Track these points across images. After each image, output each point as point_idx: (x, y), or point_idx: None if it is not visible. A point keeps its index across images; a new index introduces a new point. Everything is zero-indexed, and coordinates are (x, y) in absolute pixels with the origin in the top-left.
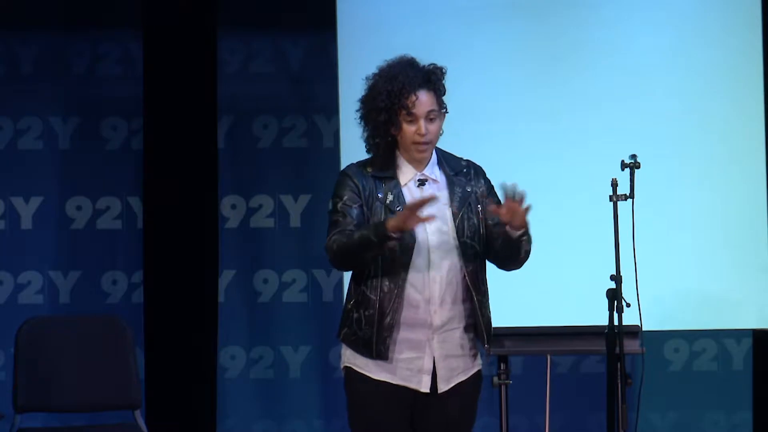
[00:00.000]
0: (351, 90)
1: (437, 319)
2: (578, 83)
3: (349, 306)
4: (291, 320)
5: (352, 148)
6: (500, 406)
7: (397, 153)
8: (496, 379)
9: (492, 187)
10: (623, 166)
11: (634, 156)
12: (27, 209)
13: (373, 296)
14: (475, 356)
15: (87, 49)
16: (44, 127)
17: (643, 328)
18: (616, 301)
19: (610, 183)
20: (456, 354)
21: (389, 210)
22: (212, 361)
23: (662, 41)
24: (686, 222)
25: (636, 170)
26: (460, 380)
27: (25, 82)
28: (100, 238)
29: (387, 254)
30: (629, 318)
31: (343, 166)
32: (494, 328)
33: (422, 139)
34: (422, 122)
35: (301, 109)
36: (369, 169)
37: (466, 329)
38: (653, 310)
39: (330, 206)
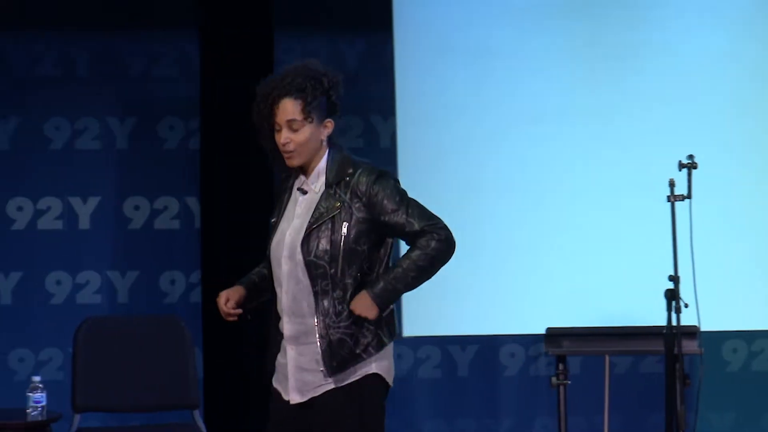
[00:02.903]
0: (408, 90)
1: (287, 331)
2: (635, 83)
3: None
4: None
5: (410, 148)
6: (558, 406)
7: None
8: (554, 379)
9: (379, 195)
10: (680, 166)
11: (691, 156)
12: (85, 209)
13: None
14: (334, 373)
15: (143, 49)
16: (101, 128)
17: (702, 329)
18: (674, 302)
19: (668, 183)
20: (310, 368)
21: (271, 224)
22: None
23: (718, 41)
24: (744, 222)
25: (693, 170)
26: (313, 395)
27: (82, 83)
28: (157, 238)
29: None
30: (687, 318)
31: (400, 166)
32: (553, 328)
33: (284, 149)
34: (284, 131)
35: (357, 110)
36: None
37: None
38: (711, 311)
39: None
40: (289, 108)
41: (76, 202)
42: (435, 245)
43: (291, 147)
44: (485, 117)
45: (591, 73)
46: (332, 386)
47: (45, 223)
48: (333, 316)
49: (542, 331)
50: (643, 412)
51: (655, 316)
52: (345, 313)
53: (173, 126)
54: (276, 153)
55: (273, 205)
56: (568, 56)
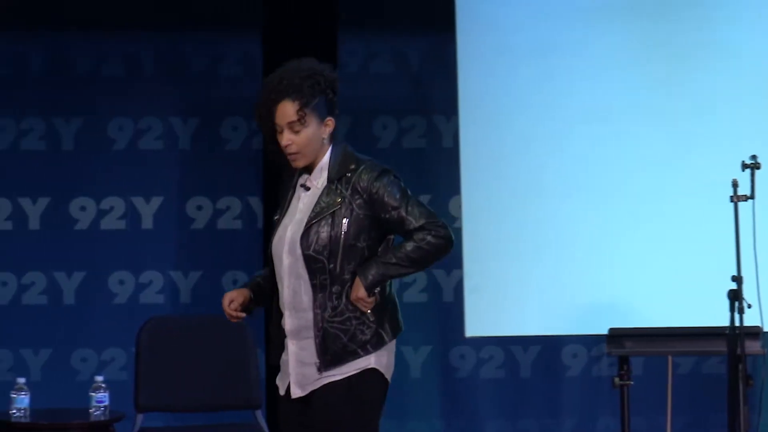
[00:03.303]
0: (470, 90)
1: (288, 326)
2: (698, 83)
3: None
4: (411, 320)
5: (472, 148)
6: (621, 407)
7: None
8: (617, 379)
9: (379, 192)
10: (744, 166)
11: (754, 157)
12: (148, 209)
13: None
14: (327, 366)
15: (207, 50)
16: (164, 128)
17: (765, 329)
18: (737, 302)
19: (731, 184)
20: (310, 362)
21: (278, 218)
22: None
23: None
24: None
25: (756, 171)
26: (312, 388)
27: (145, 82)
28: (220, 238)
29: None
30: (750, 319)
31: (462, 166)
32: (615, 328)
33: (287, 150)
34: (285, 132)
35: (420, 110)
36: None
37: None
38: None
39: None
40: (288, 110)
41: (139, 202)
42: (430, 240)
43: (294, 149)
44: (548, 116)
45: (653, 73)
46: (330, 380)
47: (108, 223)
48: (330, 311)
49: (605, 332)
50: (705, 413)
51: (718, 316)
52: (341, 308)
53: (236, 126)
54: (279, 155)
55: (278, 204)
56: (631, 55)
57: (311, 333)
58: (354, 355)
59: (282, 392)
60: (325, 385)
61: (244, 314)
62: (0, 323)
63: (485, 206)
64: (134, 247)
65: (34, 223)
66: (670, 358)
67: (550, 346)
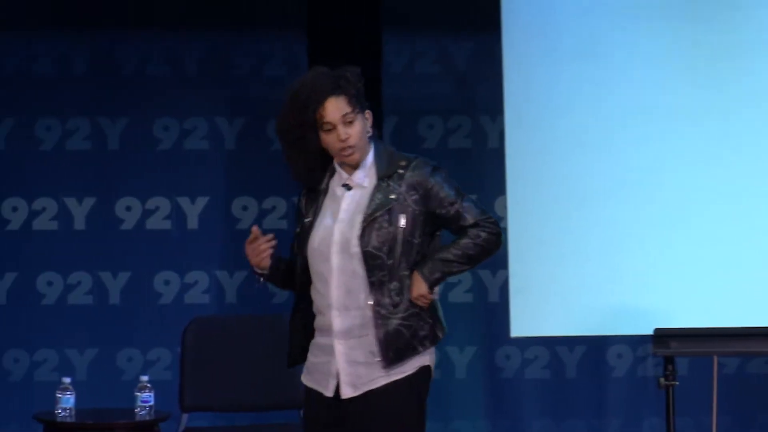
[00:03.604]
0: (516, 90)
1: (338, 325)
2: (743, 83)
3: None
4: (457, 321)
5: (518, 148)
6: (667, 407)
7: (322, 163)
8: (662, 380)
9: (434, 188)
10: None
11: None
12: (193, 209)
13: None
14: (391, 363)
15: (252, 50)
16: (210, 128)
17: None
18: None
19: None
20: (364, 361)
21: (302, 224)
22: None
23: None
24: None
25: None
26: (369, 389)
27: (190, 83)
28: None
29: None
30: None
31: (508, 166)
32: (661, 329)
33: (345, 144)
34: (340, 128)
35: (466, 110)
36: (305, 188)
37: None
38: None
39: None
40: (339, 104)
41: (184, 202)
42: (485, 236)
43: (353, 141)
44: (593, 117)
45: (698, 73)
46: (392, 378)
47: (153, 223)
48: (390, 307)
49: (650, 332)
50: (751, 413)
51: (764, 316)
52: (402, 305)
53: None
54: (310, 159)
55: (299, 214)
56: (677, 56)
57: (366, 331)
58: (414, 352)
59: (330, 393)
60: (386, 384)
61: (272, 249)
62: (46, 323)
63: (531, 206)
64: (179, 247)
65: (79, 223)
66: (715, 358)
67: (596, 346)
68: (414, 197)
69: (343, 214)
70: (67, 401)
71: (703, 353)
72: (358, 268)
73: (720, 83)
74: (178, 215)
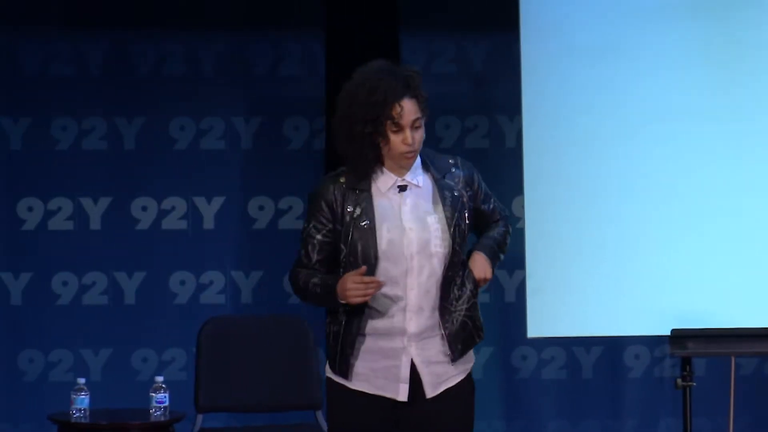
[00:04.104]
0: (533, 90)
1: (413, 327)
2: (761, 83)
3: (327, 319)
4: None
5: (535, 148)
6: (684, 408)
7: (379, 162)
8: (680, 380)
9: (480, 184)
10: None
11: None
12: (209, 209)
13: (341, 311)
14: (460, 356)
15: (269, 49)
16: (226, 127)
17: None
18: None
19: None
20: (439, 360)
21: (355, 224)
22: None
23: None
24: None
25: None
26: (446, 387)
27: (206, 82)
28: (282, 238)
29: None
30: None
31: (526, 166)
32: (678, 329)
33: (410, 149)
34: (408, 131)
35: (483, 110)
36: (342, 180)
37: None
38: None
39: (303, 225)
40: (413, 107)
41: (200, 202)
42: (509, 230)
43: (417, 145)
44: (611, 116)
45: (715, 73)
46: (461, 374)
47: (169, 223)
48: (454, 302)
49: (667, 333)
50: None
51: None
52: (464, 296)
53: (298, 126)
54: (371, 155)
55: (332, 210)
56: (694, 56)
57: (436, 330)
58: (473, 341)
59: (403, 398)
60: (459, 381)
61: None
62: (60, 323)
63: (548, 207)
64: (195, 248)
65: (95, 223)
66: (733, 358)
67: (613, 346)
68: (469, 193)
69: (409, 215)
70: (81, 402)
71: (720, 354)
72: (437, 268)
73: (738, 83)
74: (194, 215)
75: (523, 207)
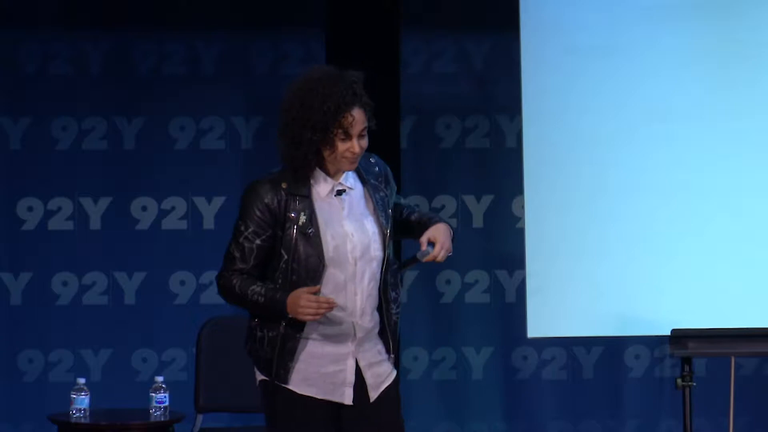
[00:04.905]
0: (534, 90)
1: (360, 331)
2: (763, 82)
3: (253, 323)
4: (474, 321)
5: (535, 148)
6: (684, 408)
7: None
8: (679, 381)
9: (393, 180)
10: None
11: None
12: (209, 209)
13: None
14: (390, 360)
15: (269, 48)
16: (227, 127)
17: None
18: None
19: None
20: (378, 360)
21: (301, 232)
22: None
23: None
24: None
25: None
26: (385, 386)
27: (206, 82)
28: None
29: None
30: None
31: (526, 166)
32: (678, 329)
33: (354, 156)
34: (355, 140)
35: (483, 109)
36: (284, 185)
37: (380, 334)
38: None
39: (234, 227)
40: (362, 117)
41: (200, 202)
42: None
43: (359, 154)
44: (611, 116)
45: (718, 72)
46: (394, 371)
47: (169, 223)
48: (392, 304)
49: (667, 333)
50: None
51: None
52: (399, 298)
53: None
54: (310, 165)
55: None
56: (696, 55)
57: (376, 331)
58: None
59: (349, 401)
60: (394, 376)
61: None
62: (60, 323)
63: (548, 207)
64: (195, 248)
65: (95, 223)
66: (732, 359)
67: (613, 347)
68: (389, 191)
69: (349, 219)
70: (81, 402)
71: (720, 354)
72: (377, 271)
73: (738, 83)
74: (194, 215)
75: (523, 207)
